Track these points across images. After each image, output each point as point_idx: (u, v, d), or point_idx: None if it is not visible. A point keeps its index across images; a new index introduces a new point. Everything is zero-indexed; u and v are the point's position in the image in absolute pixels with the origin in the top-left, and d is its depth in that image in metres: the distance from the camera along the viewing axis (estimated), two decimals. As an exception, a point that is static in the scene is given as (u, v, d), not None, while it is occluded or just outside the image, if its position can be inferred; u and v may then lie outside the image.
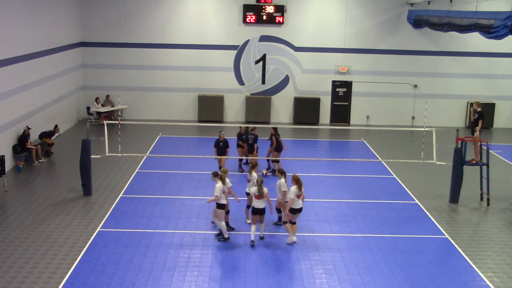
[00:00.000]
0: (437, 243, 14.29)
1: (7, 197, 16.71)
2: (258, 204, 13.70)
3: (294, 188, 13.62)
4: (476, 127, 17.60)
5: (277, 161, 19.02)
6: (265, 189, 13.76)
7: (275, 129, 19.64)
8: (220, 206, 13.75)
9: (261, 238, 13.96)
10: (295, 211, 13.78)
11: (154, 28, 27.76)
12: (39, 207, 15.91)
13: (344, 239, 14.28)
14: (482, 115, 17.69)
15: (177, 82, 28.29)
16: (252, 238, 13.65)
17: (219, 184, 13.69)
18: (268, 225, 14.62)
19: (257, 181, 13.86)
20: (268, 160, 19.56)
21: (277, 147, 19.29)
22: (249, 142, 19.37)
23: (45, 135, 21.55)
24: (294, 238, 13.83)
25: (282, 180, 14.28)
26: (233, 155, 19.59)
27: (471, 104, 26.85)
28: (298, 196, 13.69)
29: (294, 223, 13.85)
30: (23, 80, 20.67)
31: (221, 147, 18.81)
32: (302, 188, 13.71)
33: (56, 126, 22.69)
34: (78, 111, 27.49)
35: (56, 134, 22.65)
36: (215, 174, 14.00)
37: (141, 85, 28.23)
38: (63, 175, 19.01)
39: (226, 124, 27.08)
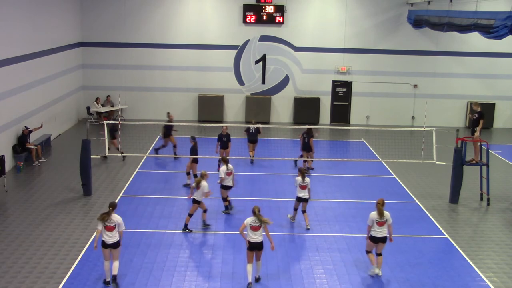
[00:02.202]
0: (437, 243, 14.29)
1: (7, 197, 16.71)
2: (255, 237, 11.56)
3: (373, 213, 11.98)
4: (477, 127, 17.60)
5: (305, 160, 19.53)
6: (267, 219, 11.72)
7: (307, 130, 19.65)
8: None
9: (257, 279, 11.92)
10: (376, 240, 12.01)
11: (154, 28, 27.76)
12: (39, 207, 15.91)
13: (344, 239, 14.28)
14: (482, 115, 17.69)
15: (177, 82, 28.29)
16: (250, 280, 11.71)
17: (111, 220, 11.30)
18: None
19: (253, 211, 11.66)
20: (305, 161, 19.78)
21: (304, 147, 19.52)
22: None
23: (169, 129, 20.83)
24: (377, 271, 12.19)
25: (224, 167, 15.31)
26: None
27: (471, 104, 26.92)
28: (379, 224, 11.93)
29: (379, 254, 12.17)
30: (23, 80, 20.67)
31: (225, 142, 19.27)
32: (386, 215, 11.94)
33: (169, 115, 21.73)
34: (78, 111, 27.50)
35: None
36: (112, 205, 11.52)
37: (141, 85, 28.23)
38: (63, 175, 19.01)
39: (226, 124, 27.03)
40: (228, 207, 15.80)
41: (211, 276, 12.14)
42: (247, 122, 26.96)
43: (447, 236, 14.67)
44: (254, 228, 11.52)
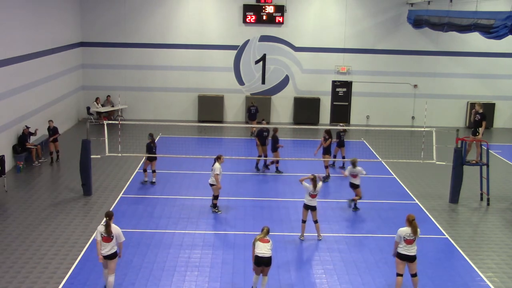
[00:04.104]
0: (437, 243, 14.29)
1: (7, 197, 16.71)
2: (264, 250, 11.01)
3: (403, 230, 11.06)
4: (479, 128, 17.61)
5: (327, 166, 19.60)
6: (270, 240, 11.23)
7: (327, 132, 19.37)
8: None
9: None
10: (403, 257, 11.07)
11: (154, 28, 27.76)
12: (39, 207, 15.91)
13: (344, 239, 14.29)
14: (484, 116, 17.70)
15: (177, 82, 28.29)
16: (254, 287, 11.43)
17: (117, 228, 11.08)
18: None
19: (262, 229, 11.25)
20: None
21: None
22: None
23: (275, 143, 19.53)
24: None
25: (217, 164, 15.41)
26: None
27: (471, 104, 26.91)
28: (408, 241, 10.98)
29: (414, 275, 11.31)
30: (23, 80, 20.67)
31: (264, 137, 19.72)
32: (418, 232, 11.06)
33: None
34: (78, 111, 27.50)
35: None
36: (108, 214, 11.02)
37: (141, 85, 28.23)
38: (63, 175, 19.01)
39: (227, 124, 27.11)
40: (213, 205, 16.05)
41: (211, 276, 12.13)
42: (247, 122, 27.02)
43: (447, 236, 14.67)
44: (263, 240, 11.04)
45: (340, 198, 17.34)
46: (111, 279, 11.03)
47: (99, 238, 10.91)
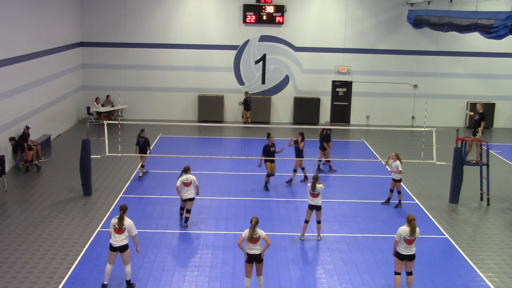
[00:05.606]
0: (437, 243, 14.30)
1: (7, 197, 16.71)
2: (253, 249, 10.93)
3: (403, 229, 10.95)
4: (479, 128, 17.62)
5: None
6: (261, 231, 10.96)
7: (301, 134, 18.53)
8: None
9: None
10: (402, 257, 11.04)
11: (154, 28, 27.76)
12: (39, 207, 15.91)
13: (344, 239, 14.29)
14: (484, 116, 17.71)
15: (177, 82, 28.29)
16: None
17: (129, 222, 11.38)
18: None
19: (251, 221, 10.88)
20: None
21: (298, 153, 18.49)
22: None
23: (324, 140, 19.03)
24: None
25: (184, 176, 14.61)
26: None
27: (472, 104, 26.92)
28: (408, 241, 10.90)
29: (409, 273, 11.21)
30: (23, 80, 20.67)
31: (272, 152, 17.56)
32: (417, 233, 10.94)
33: None
34: (78, 111, 27.50)
35: None
36: (123, 208, 11.39)
37: (141, 85, 28.23)
38: (63, 175, 19.00)
39: (227, 124, 27.12)
40: (186, 220, 14.86)
41: (211, 276, 12.14)
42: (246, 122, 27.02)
43: (447, 236, 14.67)
44: (253, 240, 10.84)
45: (340, 198, 17.32)
46: (128, 269, 11.43)
47: (111, 230, 11.31)
